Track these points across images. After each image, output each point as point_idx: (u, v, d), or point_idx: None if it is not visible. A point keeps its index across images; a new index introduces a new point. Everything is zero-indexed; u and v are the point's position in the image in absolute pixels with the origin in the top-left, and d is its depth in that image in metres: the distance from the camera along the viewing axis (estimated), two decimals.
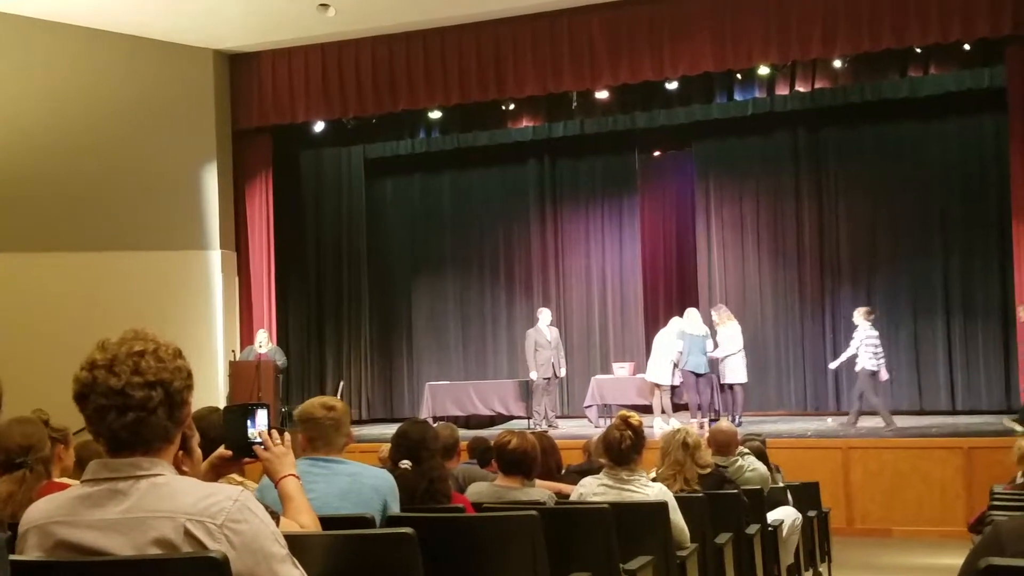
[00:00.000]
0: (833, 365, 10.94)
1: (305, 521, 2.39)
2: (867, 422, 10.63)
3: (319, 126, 12.16)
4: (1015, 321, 9.87)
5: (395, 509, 3.17)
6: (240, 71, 11.79)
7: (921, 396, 11.80)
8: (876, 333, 10.23)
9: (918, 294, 12.03)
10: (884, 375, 10.17)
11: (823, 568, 6.81)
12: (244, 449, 2.38)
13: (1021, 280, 9.61)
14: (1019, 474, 5.18)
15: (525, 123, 12.25)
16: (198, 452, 1.92)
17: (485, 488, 4.21)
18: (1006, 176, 9.95)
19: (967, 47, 9.89)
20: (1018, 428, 9.01)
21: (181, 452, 1.83)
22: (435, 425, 4.73)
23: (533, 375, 11.54)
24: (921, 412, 11.45)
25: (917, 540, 8.21)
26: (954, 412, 11.51)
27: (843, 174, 12.46)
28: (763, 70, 10.66)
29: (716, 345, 10.89)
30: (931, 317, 11.96)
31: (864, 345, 10.10)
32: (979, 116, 11.54)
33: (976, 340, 11.74)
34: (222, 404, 8.03)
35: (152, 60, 11.35)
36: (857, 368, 10.12)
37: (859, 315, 10.38)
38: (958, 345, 11.82)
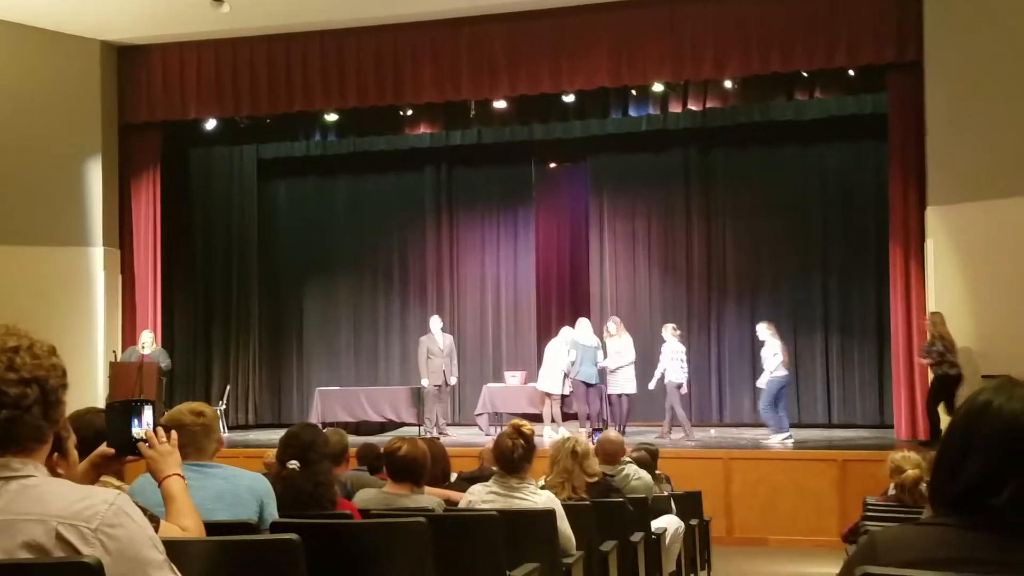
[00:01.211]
0: (652, 385, 10.89)
1: (188, 524, 2.31)
2: (748, 433, 11.02)
3: (211, 124, 11.85)
4: (890, 339, 10.36)
5: (272, 511, 3.13)
6: (129, 64, 11.40)
7: (799, 410, 12.24)
8: (683, 348, 10.79)
9: (798, 311, 12.47)
10: (684, 388, 10.71)
11: (703, 575, 6.99)
12: (128, 447, 2.28)
13: (896, 300, 10.08)
14: (891, 486, 5.41)
15: (423, 130, 12.20)
16: (74, 453, 1.84)
17: (373, 495, 4.16)
18: (884, 200, 10.42)
19: (851, 73, 10.33)
20: (774, 442, 9.75)
21: (56, 454, 1.76)
22: (325, 431, 4.66)
23: (425, 382, 11.49)
24: (799, 425, 11.87)
25: (792, 549, 8.49)
26: (830, 426, 11.97)
27: (730, 192, 12.84)
28: (657, 87, 10.92)
29: (606, 355, 11.06)
30: (810, 333, 12.42)
31: (672, 359, 10.60)
32: (860, 141, 12.05)
33: (852, 356, 12.25)
34: (101, 406, 7.72)
35: (34, 48, 10.85)
36: (666, 381, 10.63)
37: (667, 331, 10.87)
38: (835, 361, 12.32)
